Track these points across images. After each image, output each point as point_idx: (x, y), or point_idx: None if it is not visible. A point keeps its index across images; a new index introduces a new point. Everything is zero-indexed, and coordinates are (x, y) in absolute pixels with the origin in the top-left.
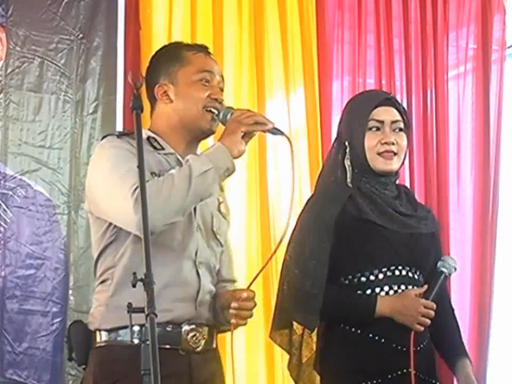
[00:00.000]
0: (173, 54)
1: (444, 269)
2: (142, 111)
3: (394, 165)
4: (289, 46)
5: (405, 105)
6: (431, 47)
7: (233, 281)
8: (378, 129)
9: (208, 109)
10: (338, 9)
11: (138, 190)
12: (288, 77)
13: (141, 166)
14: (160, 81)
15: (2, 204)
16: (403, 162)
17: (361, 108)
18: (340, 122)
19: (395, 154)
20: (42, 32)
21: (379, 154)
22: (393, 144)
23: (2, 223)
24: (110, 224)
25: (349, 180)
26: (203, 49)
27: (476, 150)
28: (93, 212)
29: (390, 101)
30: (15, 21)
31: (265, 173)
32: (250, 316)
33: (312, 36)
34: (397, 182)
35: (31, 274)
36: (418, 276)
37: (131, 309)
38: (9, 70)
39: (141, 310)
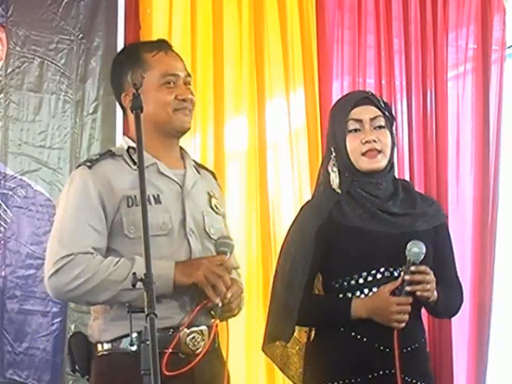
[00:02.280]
0: (133, 58)
1: (410, 257)
2: (142, 111)
3: (380, 162)
4: (289, 46)
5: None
6: (431, 47)
7: (236, 268)
8: (358, 129)
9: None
10: (338, 9)
11: (65, 260)
12: (288, 77)
13: (140, 166)
14: (125, 89)
15: (2, 204)
16: (391, 159)
17: (340, 110)
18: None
19: (379, 152)
20: (42, 32)
21: (363, 154)
22: (374, 141)
23: (2, 223)
24: None
25: (335, 186)
26: (163, 46)
27: (476, 150)
28: None
29: (367, 99)
30: (15, 21)
31: (265, 173)
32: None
33: (312, 36)
34: (395, 176)
35: (31, 274)
36: None
37: (131, 309)
38: (9, 70)
39: (141, 310)
